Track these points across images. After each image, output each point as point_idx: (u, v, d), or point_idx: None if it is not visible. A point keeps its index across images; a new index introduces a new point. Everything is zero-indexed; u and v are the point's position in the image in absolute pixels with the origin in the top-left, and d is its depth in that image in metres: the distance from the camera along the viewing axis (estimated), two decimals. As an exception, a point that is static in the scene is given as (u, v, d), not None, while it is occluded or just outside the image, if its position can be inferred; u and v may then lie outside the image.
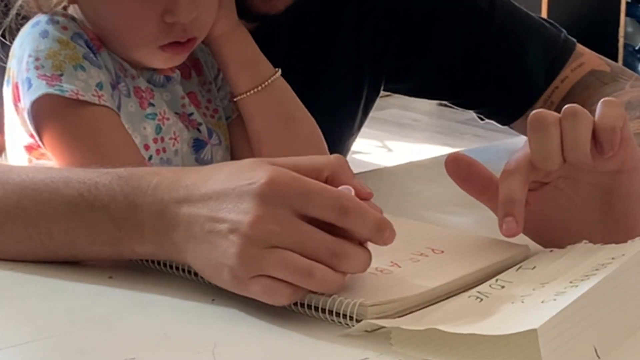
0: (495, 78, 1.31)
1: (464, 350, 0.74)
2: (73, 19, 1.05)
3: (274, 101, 1.10)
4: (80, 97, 1.00)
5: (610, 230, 0.89)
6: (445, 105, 1.41)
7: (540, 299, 0.77)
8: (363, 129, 1.38)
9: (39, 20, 1.04)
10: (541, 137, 0.88)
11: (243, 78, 1.10)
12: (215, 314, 0.81)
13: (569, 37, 1.33)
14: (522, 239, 0.92)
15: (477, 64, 1.30)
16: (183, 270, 0.87)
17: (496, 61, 1.30)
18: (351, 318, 0.78)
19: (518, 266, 0.87)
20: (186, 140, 1.08)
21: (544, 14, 4.53)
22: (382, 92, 1.36)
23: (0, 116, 1.08)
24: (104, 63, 1.03)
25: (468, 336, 0.73)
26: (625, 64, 4.29)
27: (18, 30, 1.05)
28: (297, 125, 1.11)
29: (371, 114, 1.37)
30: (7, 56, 1.06)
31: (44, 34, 1.02)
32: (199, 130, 1.09)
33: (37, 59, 1.01)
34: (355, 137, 1.37)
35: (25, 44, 1.03)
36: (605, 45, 4.04)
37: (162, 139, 1.06)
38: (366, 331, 0.78)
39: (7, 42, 1.06)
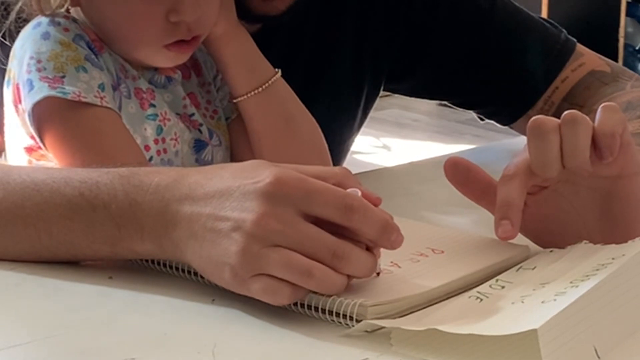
0: (496, 78, 1.31)
1: (464, 350, 0.74)
2: (74, 20, 1.05)
3: (274, 102, 1.10)
4: (83, 99, 1.00)
5: (609, 234, 0.89)
6: (445, 105, 1.41)
7: (540, 299, 0.77)
8: (363, 129, 1.38)
9: (40, 22, 1.03)
10: (540, 145, 0.88)
11: (243, 79, 1.10)
12: (215, 314, 0.81)
13: (569, 37, 1.33)
14: (522, 239, 0.92)
15: (478, 64, 1.30)
16: (183, 270, 0.87)
17: (496, 61, 1.30)
18: (351, 318, 0.78)
19: (518, 266, 0.87)
20: (187, 141, 1.08)
21: (544, 14, 4.53)
22: (382, 92, 1.36)
23: (0, 117, 1.08)
24: (105, 64, 1.03)
25: (468, 336, 0.73)
26: (626, 64, 4.29)
27: (18, 32, 1.05)
28: (298, 126, 1.11)
29: (371, 114, 1.37)
30: (7, 58, 1.06)
31: (46, 36, 1.02)
32: (199, 131, 1.09)
33: (38, 61, 1.01)
34: (355, 137, 1.37)
35: (26, 46, 1.03)
36: (605, 45, 4.04)
37: (163, 140, 1.06)
38: (366, 331, 0.78)
39: (7, 44, 1.06)
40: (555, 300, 0.76)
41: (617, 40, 4.79)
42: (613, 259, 0.82)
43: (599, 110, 0.90)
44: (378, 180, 1.24)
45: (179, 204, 0.83)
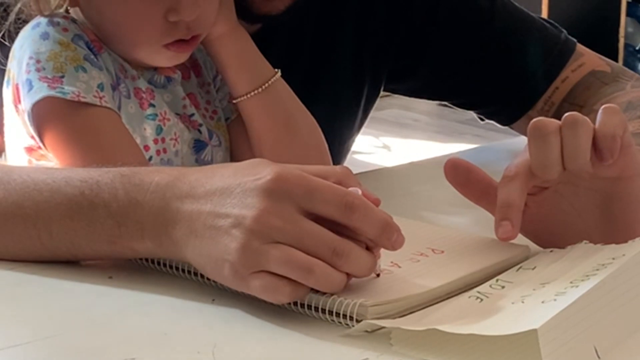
0: (496, 78, 1.31)
1: (464, 350, 0.74)
2: (73, 20, 1.05)
3: (274, 103, 1.10)
4: (82, 99, 1.00)
5: (609, 235, 0.89)
6: (445, 105, 1.41)
7: (540, 299, 0.77)
8: (363, 129, 1.38)
9: (40, 22, 1.04)
10: (541, 147, 0.88)
11: (242, 80, 1.10)
12: (215, 314, 0.81)
13: (570, 37, 1.33)
14: (522, 239, 0.92)
15: (478, 64, 1.30)
16: (183, 270, 0.87)
17: (496, 62, 1.30)
18: (351, 318, 0.78)
19: (518, 266, 0.87)
20: (187, 141, 1.08)
21: (544, 14, 4.53)
22: (382, 92, 1.36)
23: (0, 117, 1.08)
24: (104, 64, 1.03)
25: (468, 336, 0.73)
26: (626, 64, 4.29)
27: (17, 32, 1.05)
28: (298, 126, 1.11)
29: (371, 114, 1.37)
30: (6, 58, 1.06)
31: (45, 36, 1.02)
32: (199, 131, 1.09)
33: (38, 61, 1.01)
34: (355, 137, 1.37)
35: (25, 46, 1.03)
36: (606, 45, 4.04)
37: (163, 140, 1.06)
38: (366, 331, 0.78)
39: (7, 44, 1.06)
40: (555, 300, 0.76)
41: (617, 40, 4.79)
42: (613, 259, 0.82)
43: (600, 111, 0.90)
44: (378, 180, 1.24)
45: (180, 202, 0.83)
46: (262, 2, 1.17)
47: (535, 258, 0.89)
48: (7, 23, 1.06)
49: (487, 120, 1.39)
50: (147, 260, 0.89)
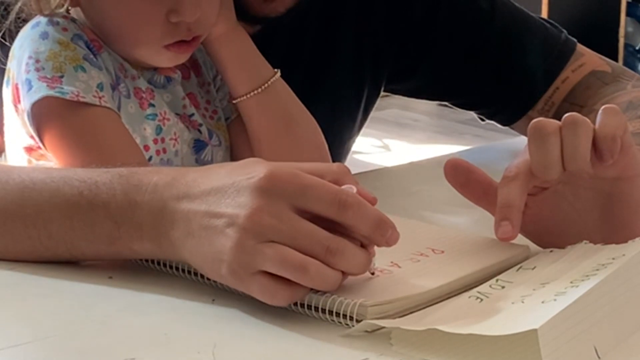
0: (496, 79, 1.31)
1: (464, 350, 0.74)
2: (73, 20, 1.05)
3: (273, 103, 1.10)
4: (81, 99, 1.00)
5: (609, 235, 0.89)
6: (445, 106, 1.41)
7: (540, 299, 0.77)
8: (363, 129, 1.38)
9: (39, 22, 1.04)
10: (541, 147, 0.88)
11: (242, 80, 1.10)
12: (215, 314, 0.81)
13: (570, 37, 1.33)
14: (522, 239, 0.92)
15: (478, 64, 1.30)
16: (183, 270, 0.87)
17: (497, 62, 1.30)
18: (351, 318, 0.78)
19: (518, 266, 0.87)
20: (187, 141, 1.08)
21: (544, 14, 4.54)
22: (382, 92, 1.36)
23: (0, 117, 1.08)
24: (104, 64, 1.03)
25: (468, 336, 0.73)
26: (626, 64, 4.29)
27: (17, 32, 1.05)
28: (298, 126, 1.11)
29: (371, 114, 1.37)
30: (6, 57, 1.06)
31: (44, 36, 1.02)
32: (199, 131, 1.09)
33: (37, 61, 1.01)
34: (356, 138, 1.37)
35: (25, 45, 1.03)
36: (606, 45, 4.04)
37: (163, 140, 1.06)
38: (366, 331, 0.78)
39: (7, 44, 1.06)
40: (555, 300, 0.76)
41: (617, 40, 4.79)
42: (613, 259, 0.82)
43: (600, 112, 0.90)
44: (378, 180, 1.24)
45: (177, 203, 0.83)
46: (261, 4, 1.17)
47: (535, 258, 0.89)
48: (8, 22, 1.06)
49: (487, 121, 1.39)
50: (147, 260, 0.89)
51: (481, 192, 0.94)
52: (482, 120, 1.40)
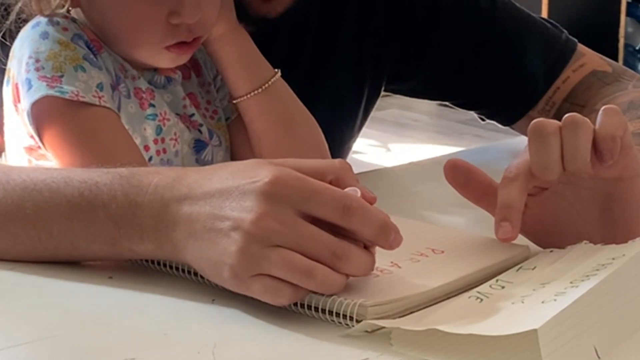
0: (497, 79, 1.31)
1: (464, 350, 0.74)
2: (73, 20, 1.05)
3: (274, 103, 1.10)
4: (81, 99, 1.00)
5: (609, 235, 0.89)
6: (445, 106, 1.41)
7: (540, 299, 0.77)
8: (363, 129, 1.38)
9: (39, 22, 1.04)
10: (541, 148, 0.88)
11: (242, 80, 1.10)
12: (215, 314, 0.81)
13: (570, 37, 1.33)
14: (522, 239, 0.92)
15: (478, 64, 1.30)
16: (183, 270, 0.87)
17: (497, 62, 1.30)
18: (351, 318, 0.78)
19: (518, 266, 0.87)
20: (187, 141, 1.08)
21: (544, 14, 4.53)
22: (382, 92, 1.36)
23: (0, 117, 1.08)
24: (104, 64, 1.03)
25: (468, 336, 0.73)
26: (626, 64, 4.28)
27: (18, 32, 1.05)
28: (298, 126, 1.11)
29: (371, 114, 1.37)
30: (7, 57, 1.06)
31: (44, 35, 1.02)
32: (199, 131, 1.09)
33: (37, 60, 1.01)
34: (356, 138, 1.37)
35: (25, 45, 1.03)
36: (605, 45, 4.04)
37: (163, 140, 1.06)
38: (366, 331, 0.78)
39: (7, 44, 1.06)
40: (555, 300, 0.76)
41: (617, 40, 4.79)
42: (613, 259, 0.82)
43: (600, 112, 0.90)
44: (378, 180, 1.24)
45: (179, 204, 0.83)
46: (260, 4, 1.17)
47: (535, 258, 0.89)
48: (8, 22, 1.06)
49: (487, 121, 1.39)
50: (147, 260, 0.89)
51: (481, 192, 0.94)
52: (483, 120, 1.40)
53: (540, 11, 4.61)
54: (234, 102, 1.10)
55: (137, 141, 1.04)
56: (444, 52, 1.30)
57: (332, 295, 0.79)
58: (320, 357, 0.76)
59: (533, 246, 0.93)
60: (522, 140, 1.13)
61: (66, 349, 0.76)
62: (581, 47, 1.32)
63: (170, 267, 0.88)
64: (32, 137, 1.03)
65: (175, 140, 1.07)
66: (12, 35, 1.06)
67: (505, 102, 1.33)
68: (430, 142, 4.50)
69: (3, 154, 1.10)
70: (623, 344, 0.77)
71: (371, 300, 0.79)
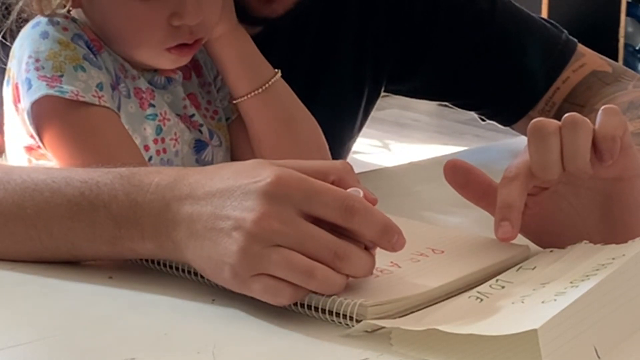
0: (497, 79, 1.31)
1: (464, 350, 0.74)
2: (73, 20, 1.05)
3: (274, 103, 1.10)
4: (81, 98, 1.00)
5: (609, 235, 0.89)
6: (445, 106, 1.41)
7: (540, 299, 0.77)
8: (363, 129, 1.38)
9: (39, 21, 1.04)
10: (541, 147, 0.88)
11: (243, 80, 1.10)
12: (215, 314, 0.81)
13: (570, 37, 1.33)
14: (522, 239, 0.92)
15: (478, 65, 1.30)
16: (183, 270, 0.87)
17: (497, 62, 1.30)
18: (351, 318, 0.78)
19: (518, 266, 0.87)
20: (187, 141, 1.08)
21: (544, 14, 4.53)
22: (382, 93, 1.36)
23: (0, 117, 1.08)
24: (104, 64, 1.04)
25: (468, 336, 0.73)
26: (626, 64, 4.28)
27: (18, 32, 1.05)
28: (298, 126, 1.11)
29: (371, 114, 1.37)
30: (7, 57, 1.06)
31: (44, 35, 1.02)
32: (200, 131, 1.09)
33: (37, 60, 1.01)
34: (356, 138, 1.37)
35: (25, 45, 1.03)
36: (605, 45, 4.04)
37: (163, 140, 1.06)
38: (366, 331, 0.78)
39: (8, 44, 1.06)
40: (555, 300, 0.76)
41: (617, 40, 4.79)
42: (613, 259, 0.82)
43: (600, 112, 0.90)
44: (378, 180, 1.24)
45: (180, 204, 0.83)
46: (261, 5, 1.17)
47: (535, 258, 0.89)
48: (9, 22, 1.06)
49: (487, 121, 1.39)
50: (147, 260, 0.89)
51: (481, 192, 0.94)
52: (483, 120, 1.40)
53: (540, 11, 4.61)
54: (234, 102, 1.10)
55: (137, 141, 1.04)
56: (444, 53, 1.30)
57: (332, 295, 0.79)
58: (320, 357, 0.76)
59: (533, 246, 0.93)
60: (522, 140, 1.13)
61: (66, 349, 0.76)
62: (581, 47, 1.32)
63: (170, 267, 0.88)
64: (32, 136, 1.03)
65: (176, 140, 1.07)
66: (12, 35, 1.06)
67: (505, 103, 1.33)
68: (430, 142, 4.50)
69: (3, 154, 1.10)
70: (623, 344, 0.77)
71: (371, 300, 0.79)
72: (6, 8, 1.07)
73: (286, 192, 0.79)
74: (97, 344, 0.76)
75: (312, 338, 0.78)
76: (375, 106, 1.36)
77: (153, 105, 1.06)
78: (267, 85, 1.10)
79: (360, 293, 0.80)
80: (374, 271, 0.84)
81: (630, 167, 0.89)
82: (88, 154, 0.99)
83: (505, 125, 1.37)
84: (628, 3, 4.84)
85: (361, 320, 0.78)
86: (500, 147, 1.53)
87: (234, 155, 1.12)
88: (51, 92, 0.99)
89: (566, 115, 0.89)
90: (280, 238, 0.78)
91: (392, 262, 0.86)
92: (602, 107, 0.90)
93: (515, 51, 1.30)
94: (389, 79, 1.33)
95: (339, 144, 1.29)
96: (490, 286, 0.83)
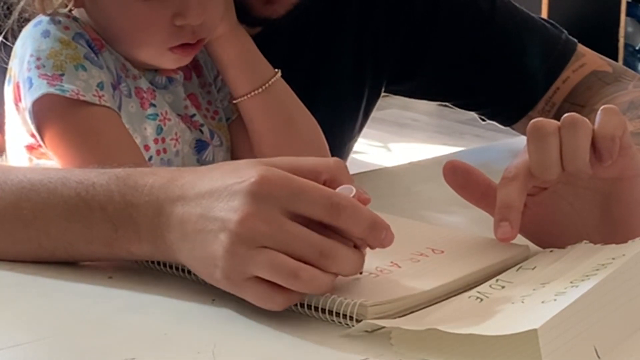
0: (497, 79, 1.31)
1: (464, 350, 0.74)
2: (75, 19, 1.05)
3: (274, 103, 1.10)
4: (81, 97, 1.00)
5: (609, 235, 0.89)
6: (445, 106, 1.41)
7: (540, 299, 0.77)
8: (363, 129, 1.38)
9: (41, 20, 1.04)
10: (540, 148, 0.88)
11: (242, 80, 1.10)
12: (215, 314, 0.81)
13: (570, 37, 1.33)
14: (522, 239, 0.92)
15: (478, 65, 1.30)
16: (182, 270, 0.87)
17: (497, 62, 1.30)
18: (351, 318, 0.78)
19: (518, 266, 0.87)
20: (188, 142, 1.08)
21: (544, 14, 4.53)
22: (382, 93, 1.36)
23: (1, 117, 1.08)
24: (105, 63, 1.04)
25: (468, 336, 0.73)
26: (626, 64, 4.28)
27: (20, 31, 1.05)
28: (298, 126, 1.11)
29: (371, 114, 1.37)
30: (9, 57, 1.06)
31: (46, 34, 1.02)
32: (201, 131, 1.09)
33: (38, 59, 1.01)
34: (356, 139, 1.37)
35: (26, 44, 1.03)
36: (605, 45, 4.04)
37: (163, 140, 1.06)
38: (366, 331, 0.78)
39: (9, 44, 1.06)
40: (555, 300, 0.76)
41: (617, 40, 4.79)
42: (613, 259, 0.82)
43: (599, 112, 0.90)
44: (378, 180, 1.24)
45: (172, 205, 0.83)
46: (262, 6, 1.17)
47: (535, 258, 0.89)
48: (11, 21, 1.06)
49: (488, 121, 1.39)
50: (146, 260, 0.89)
51: (480, 193, 0.93)
52: (483, 120, 1.40)
53: (540, 11, 4.61)
54: (234, 102, 1.10)
55: (137, 140, 1.04)
56: (444, 53, 1.30)
57: (331, 295, 0.79)
58: (320, 357, 0.76)
59: (533, 246, 0.93)
60: (522, 140, 1.13)
61: (66, 349, 0.76)
62: (581, 47, 1.32)
63: (170, 267, 0.88)
64: (33, 135, 1.03)
65: (176, 140, 1.07)
66: (14, 34, 1.06)
67: (505, 103, 1.33)
68: (430, 142, 4.50)
69: (3, 154, 1.10)
70: (623, 344, 0.77)
71: (371, 300, 0.79)
72: (8, 8, 1.07)
73: (270, 192, 0.78)
74: (97, 344, 0.76)
75: (312, 338, 0.78)
76: (376, 106, 1.36)
77: (154, 105, 1.06)
78: (267, 85, 1.10)
79: (360, 293, 0.80)
80: (374, 271, 0.84)
81: (629, 167, 0.89)
82: (88, 153, 0.99)
83: (505, 125, 1.37)
84: (628, 3, 4.84)
85: (361, 320, 0.78)
86: (500, 147, 1.53)
87: (234, 155, 1.12)
88: (52, 90, 0.99)
89: (565, 115, 0.89)
90: (265, 239, 0.77)
91: (392, 262, 0.86)
92: (602, 107, 0.90)
93: (515, 51, 1.30)
94: (389, 79, 1.33)
95: (339, 144, 1.29)
96: (490, 286, 0.83)
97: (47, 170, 0.94)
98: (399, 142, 4.49)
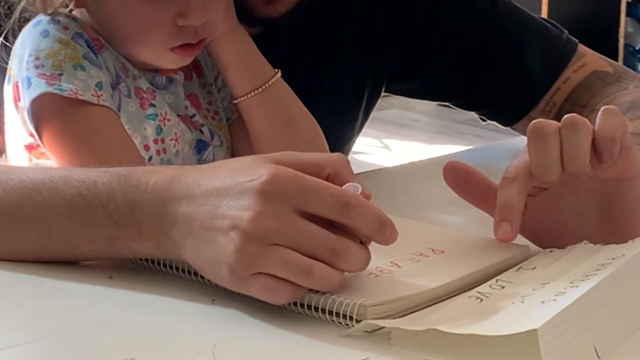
0: (497, 80, 1.31)
1: (464, 350, 0.74)
2: (75, 19, 1.05)
3: (274, 103, 1.10)
4: (80, 97, 1.00)
5: (609, 236, 0.89)
6: (446, 106, 1.41)
7: (540, 299, 0.77)
8: (363, 129, 1.38)
9: (40, 20, 1.04)
10: (540, 148, 0.88)
11: (242, 80, 1.10)
12: (215, 314, 0.81)
13: (571, 37, 1.33)
14: (522, 239, 0.92)
15: (479, 65, 1.30)
16: (183, 270, 0.87)
17: (498, 63, 1.30)
18: (351, 318, 0.78)
19: (518, 266, 0.87)
20: (188, 142, 1.08)
21: (544, 14, 4.53)
22: (382, 93, 1.36)
23: (0, 117, 1.08)
24: (104, 63, 1.04)
25: (468, 336, 0.73)
26: (626, 64, 4.28)
27: (20, 31, 1.05)
28: (298, 126, 1.11)
29: (371, 114, 1.37)
30: (9, 57, 1.06)
31: (45, 34, 1.02)
32: (201, 131, 1.09)
33: (37, 58, 1.01)
34: (356, 138, 1.37)
35: (26, 44, 1.03)
36: (606, 45, 4.04)
37: (163, 140, 1.06)
38: (366, 331, 0.78)
39: (9, 45, 1.06)
40: (555, 300, 0.76)
41: (617, 40, 4.79)
42: (613, 259, 0.82)
43: (599, 113, 0.89)
44: (378, 180, 1.24)
45: (177, 204, 0.83)
46: (262, 5, 1.17)
47: (535, 258, 0.89)
48: (11, 21, 1.06)
49: (488, 121, 1.39)
50: (147, 260, 0.89)
51: (480, 194, 0.93)
52: (483, 120, 1.40)
53: (540, 11, 4.61)
54: (235, 102, 1.10)
55: (137, 141, 1.04)
56: (444, 53, 1.30)
57: (331, 294, 0.79)
58: (320, 357, 0.76)
59: (533, 246, 0.93)
60: (522, 140, 1.13)
61: (66, 349, 0.76)
62: (582, 48, 1.32)
63: (170, 267, 0.88)
64: (32, 135, 1.03)
65: (176, 140, 1.07)
66: (14, 34, 1.06)
67: (505, 103, 1.33)
68: (430, 142, 4.50)
69: (3, 154, 1.10)
70: (623, 344, 0.77)
71: (371, 300, 0.79)
72: (8, 7, 1.07)
73: (282, 191, 0.79)
74: (97, 344, 0.76)
75: (312, 338, 0.78)
76: (376, 106, 1.36)
77: (154, 105, 1.06)
78: (267, 85, 1.10)
79: (360, 293, 0.80)
80: (374, 271, 0.84)
81: (630, 168, 0.89)
82: (85, 153, 0.99)
83: (505, 126, 1.37)
84: (628, 3, 4.85)
85: (361, 320, 0.78)
86: (500, 147, 1.53)
87: (234, 155, 1.12)
88: (50, 89, 0.99)
89: (566, 116, 0.89)
90: (276, 237, 0.78)
91: (392, 262, 0.86)
92: (602, 108, 0.90)
93: (515, 51, 1.30)
94: (389, 79, 1.33)
95: (339, 144, 1.29)
96: (490, 286, 0.83)
97: (48, 170, 0.94)
98: (399, 142, 4.49)
